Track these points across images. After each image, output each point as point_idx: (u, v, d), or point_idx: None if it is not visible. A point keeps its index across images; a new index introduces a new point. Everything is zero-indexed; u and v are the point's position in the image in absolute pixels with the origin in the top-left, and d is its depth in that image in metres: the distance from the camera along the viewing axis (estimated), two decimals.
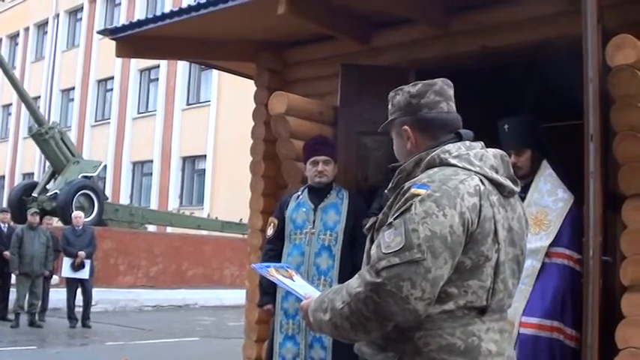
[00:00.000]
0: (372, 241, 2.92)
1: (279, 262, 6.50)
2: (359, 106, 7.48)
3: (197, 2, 7.68)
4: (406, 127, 3.03)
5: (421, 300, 2.58)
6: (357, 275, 2.76)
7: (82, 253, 16.30)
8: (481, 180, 2.78)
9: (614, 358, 5.20)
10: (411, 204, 2.68)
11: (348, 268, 6.48)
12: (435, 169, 2.81)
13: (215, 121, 36.70)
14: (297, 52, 8.68)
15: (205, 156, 37.28)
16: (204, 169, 37.42)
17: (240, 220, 26.31)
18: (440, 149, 2.88)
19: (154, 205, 37.35)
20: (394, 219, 2.71)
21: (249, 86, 9.37)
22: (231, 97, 33.36)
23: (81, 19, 45.96)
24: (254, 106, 8.70)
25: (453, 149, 2.87)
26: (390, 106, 3.18)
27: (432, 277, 2.58)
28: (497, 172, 2.87)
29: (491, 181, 2.82)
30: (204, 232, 29.85)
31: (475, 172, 2.80)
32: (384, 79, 7.40)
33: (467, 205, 2.67)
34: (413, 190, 2.72)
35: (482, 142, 2.99)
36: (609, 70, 5.24)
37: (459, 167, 2.80)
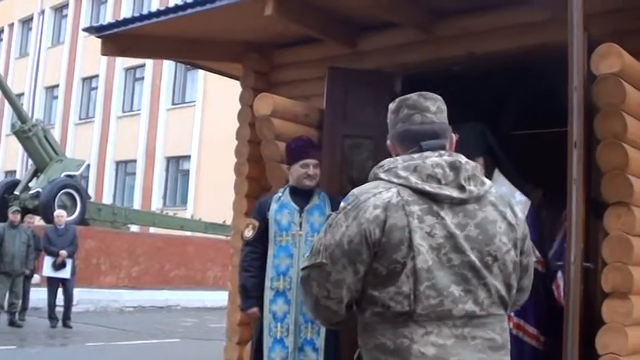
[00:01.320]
0: None
1: (263, 264, 6.51)
2: (345, 110, 7.51)
3: (184, 1, 7.67)
4: (389, 142, 3.23)
5: (329, 299, 2.95)
6: None
7: (63, 253, 16.23)
8: (399, 192, 2.91)
9: None
10: (332, 215, 3.06)
11: None
12: (366, 184, 3.05)
13: (200, 121, 36.68)
14: (283, 53, 8.69)
15: (190, 156, 37.25)
16: (189, 170, 37.39)
17: (224, 221, 26.26)
18: (376, 166, 3.09)
19: (137, 205, 37.28)
20: None
21: (234, 87, 9.36)
22: (217, 97, 33.34)
23: (66, 15, 45.85)
24: (239, 107, 8.69)
25: (386, 163, 3.05)
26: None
27: (334, 280, 2.92)
28: (439, 181, 2.94)
29: (418, 191, 2.92)
30: (188, 233, 29.82)
31: (397, 183, 2.94)
32: (370, 83, 7.47)
33: (367, 218, 2.87)
34: (342, 203, 3.02)
35: (442, 152, 3.05)
36: (594, 78, 5.27)
37: (384, 180, 2.98)
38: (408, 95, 3.19)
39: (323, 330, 6.36)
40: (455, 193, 2.94)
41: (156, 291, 24.65)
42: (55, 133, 36.68)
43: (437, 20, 7.37)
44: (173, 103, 38.92)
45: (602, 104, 5.28)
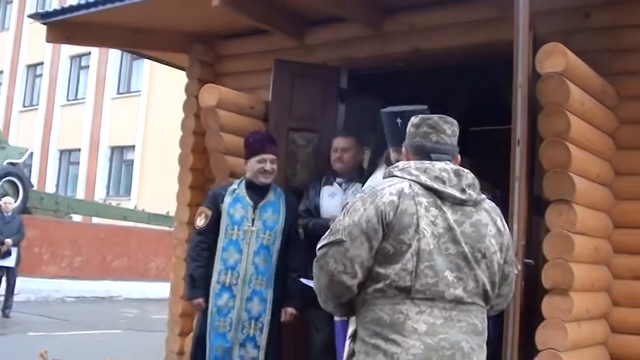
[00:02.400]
0: None
1: (212, 254, 6.47)
2: (290, 102, 7.51)
3: None
4: (404, 148, 3.72)
5: (344, 273, 3.32)
6: None
7: (8, 241, 15.98)
8: (410, 185, 3.37)
9: (533, 359, 5.28)
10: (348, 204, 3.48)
11: (283, 268, 6.50)
12: (382, 180, 3.58)
13: (145, 111, 36.39)
14: (229, 45, 8.66)
15: (134, 146, 36.94)
16: (133, 160, 37.07)
17: (167, 212, 26.10)
18: (393, 165, 3.63)
19: (80, 194, 36.90)
20: None
21: (180, 77, 9.31)
22: (162, 87, 33.09)
23: (12, 1, 45.17)
24: (185, 97, 8.65)
25: (400, 164, 3.54)
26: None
27: (350, 256, 3.30)
28: (444, 182, 3.39)
29: (426, 187, 3.37)
30: (131, 224, 29.55)
31: (409, 179, 3.40)
32: (316, 77, 7.49)
33: (384, 201, 3.32)
34: (357, 195, 3.50)
35: (447, 162, 3.50)
36: (538, 76, 5.31)
37: (398, 177, 3.45)
38: (431, 115, 3.65)
39: (266, 328, 6.36)
40: (457, 194, 3.40)
41: (98, 281, 24.45)
42: None
43: (384, 16, 7.39)
44: (118, 93, 38.57)
45: (546, 103, 5.32)
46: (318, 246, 3.42)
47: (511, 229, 5.03)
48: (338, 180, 6.84)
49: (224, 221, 6.47)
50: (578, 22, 6.27)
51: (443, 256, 3.30)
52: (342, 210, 3.52)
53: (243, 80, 8.32)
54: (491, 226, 3.46)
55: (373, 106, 8.92)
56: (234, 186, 6.60)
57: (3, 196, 18.29)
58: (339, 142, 6.89)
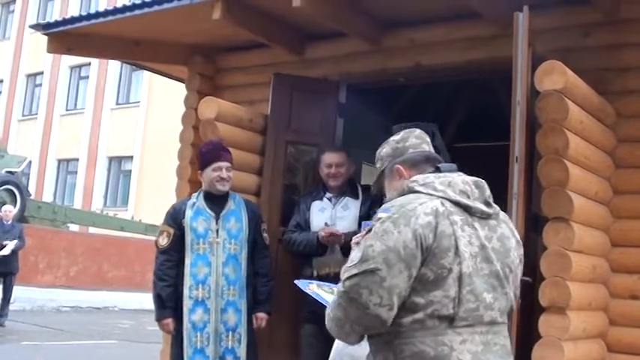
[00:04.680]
0: None
1: (178, 272, 6.42)
2: (289, 116, 7.51)
3: (132, 2, 7.61)
4: (398, 166, 3.46)
5: (380, 306, 2.95)
6: None
7: (9, 244, 15.98)
8: (442, 202, 3.11)
9: None
10: (374, 225, 3.08)
11: (251, 274, 6.50)
12: (402, 196, 3.21)
13: (144, 122, 36.47)
14: (229, 58, 8.66)
15: (132, 157, 37.00)
16: (130, 171, 37.14)
17: None
18: (409, 180, 3.30)
19: (77, 204, 36.94)
20: (362, 239, 3.17)
21: (179, 89, 9.31)
22: (162, 99, 33.19)
23: (13, 11, 45.32)
24: (183, 109, 8.65)
25: (420, 179, 3.25)
26: (379, 162, 3.62)
27: (388, 286, 2.94)
28: (468, 197, 3.19)
29: (456, 203, 3.14)
30: (128, 234, 29.54)
31: (437, 196, 3.13)
32: (315, 91, 7.49)
33: (420, 223, 3.00)
34: (378, 214, 3.11)
35: (460, 172, 3.32)
36: (537, 94, 5.32)
37: (423, 193, 3.15)
38: (412, 129, 3.58)
39: (244, 339, 6.35)
40: (484, 208, 3.22)
41: (94, 291, 24.44)
42: None
43: (384, 31, 7.40)
44: (117, 103, 38.66)
45: (545, 120, 5.32)
46: (346, 275, 3.03)
47: None
48: (327, 195, 6.80)
49: (188, 236, 6.41)
50: (577, 41, 6.28)
51: (480, 278, 3.09)
52: (365, 232, 3.19)
53: (243, 93, 8.32)
54: (511, 237, 3.30)
55: (372, 120, 8.98)
56: (193, 199, 6.57)
57: (2, 205, 18.28)
58: (332, 158, 6.81)
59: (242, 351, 6.34)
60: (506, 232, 3.28)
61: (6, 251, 15.96)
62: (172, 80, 10.38)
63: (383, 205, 3.20)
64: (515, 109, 5.24)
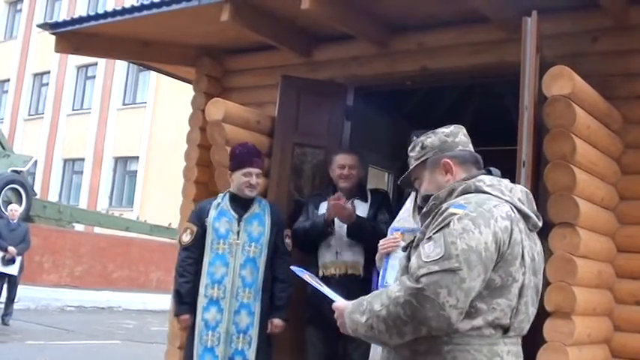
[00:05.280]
0: (407, 259, 3.16)
1: (198, 269, 6.46)
2: (296, 118, 7.51)
3: (140, 3, 7.63)
4: (447, 160, 3.34)
5: (455, 308, 2.81)
6: (397, 282, 3.00)
7: (12, 249, 15.95)
8: (511, 208, 3.06)
9: None
10: (450, 221, 2.94)
11: (269, 279, 6.50)
12: (471, 194, 3.11)
13: (150, 123, 36.48)
14: (237, 59, 8.66)
15: (138, 157, 37.01)
16: (136, 171, 37.14)
17: (170, 224, 26.13)
18: (474, 179, 3.19)
19: (83, 204, 36.95)
20: (434, 234, 2.97)
21: (186, 90, 9.32)
22: (168, 100, 33.21)
23: (21, 10, 45.37)
24: (190, 110, 8.65)
25: (486, 179, 3.17)
26: (418, 150, 3.47)
27: (467, 288, 2.83)
28: (523, 204, 3.14)
29: (519, 211, 3.09)
30: (133, 235, 29.57)
31: (506, 200, 3.08)
32: (323, 93, 7.49)
33: (500, 227, 2.94)
34: (451, 210, 2.99)
35: (508, 179, 3.25)
36: (545, 99, 5.32)
37: (492, 195, 3.08)
38: (459, 125, 3.49)
39: (254, 341, 6.36)
40: (537, 220, 3.18)
41: (98, 291, 24.45)
42: (4, 128, 36.24)
43: (393, 34, 7.39)
44: (124, 104, 38.68)
45: (552, 125, 5.32)
46: (423, 271, 2.86)
47: None
48: (337, 195, 6.81)
49: (209, 235, 6.46)
50: (585, 46, 6.28)
51: (530, 290, 3.06)
52: (437, 227, 2.99)
53: (250, 95, 8.32)
54: (542, 251, 3.25)
55: (379, 123, 8.98)
56: (219, 200, 6.61)
57: (7, 204, 18.30)
58: (345, 160, 6.83)
59: (251, 353, 6.34)
60: (540, 246, 3.23)
61: (9, 257, 16.00)
62: (179, 81, 10.38)
63: (452, 200, 3.10)
64: (522, 114, 5.24)
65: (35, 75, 43.63)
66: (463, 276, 2.81)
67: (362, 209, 6.63)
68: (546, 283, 5.38)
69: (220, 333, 6.32)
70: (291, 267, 4.50)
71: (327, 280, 6.34)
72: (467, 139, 3.46)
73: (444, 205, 3.06)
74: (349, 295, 3.30)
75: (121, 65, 37.35)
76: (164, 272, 27.11)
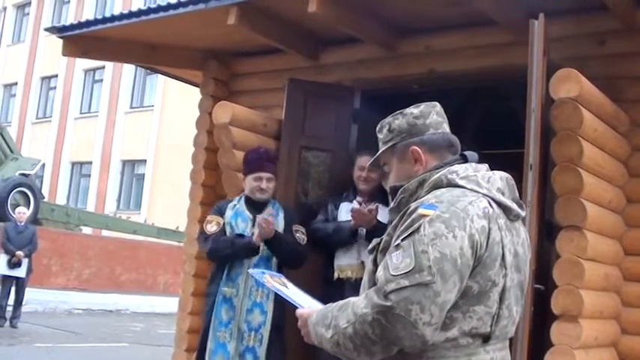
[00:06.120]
0: (374, 263, 2.82)
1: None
2: (303, 121, 7.51)
3: (147, 6, 7.65)
4: (415, 147, 2.94)
5: (429, 325, 2.46)
6: (363, 295, 2.62)
7: (19, 253, 16.00)
8: (489, 202, 2.69)
9: None
10: (420, 225, 2.57)
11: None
12: (443, 190, 2.72)
13: (158, 126, 36.51)
14: (244, 63, 8.67)
15: (146, 161, 37.04)
16: (144, 174, 37.17)
17: (177, 227, 26.16)
18: (446, 170, 2.80)
19: (90, 207, 37.01)
20: (402, 240, 2.59)
21: (193, 93, 9.33)
22: (176, 103, 33.24)
23: (28, 14, 45.45)
24: (198, 113, 8.66)
25: (460, 170, 2.78)
26: (386, 132, 3.09)
27: (441, 302, 2.47)
28: (503, 194, 2.79)
29: (499, 203, 2.73)
30: (140, 238, 29.60)
31: (483, 194, 2.71)
32: (329, 96, 7.49)
33: (476, 227, 2.58)
34: (420, 211, 2.61)
35: (487, 165, 2.92)
36: (552, 101, 5.31)
37: (467, 189, 2.71)
38: (432, 102, 3.05)
39: (265, 339, 6.36)
40: (518, 209, 2.82)
41: (106, 294, 24.49)
42: (12, 132, 36.29)
43: (400, 38, 7.39)
44: (131, 107, 38.71)
45: (560, 128, 5.32)
46: (392, 286, 2.47)
47: None
48: (358, 198, 6.79)
49: (227, 233, 6.51)
50: (592, 49, 6.27)
51: (512, 290, 2.71)
52: (406, 231, 2.60)
53: (257, 98, 8.33)
54: (527, 240, 2.88)
55: None
56: (235, 202, 6.66)
57: (15, 207, 18.35)
58: (366, 162, 6.70)
59: (262, 351, 6.35)
60: (524, 235, 2.86)
61: (16, 260, 16.04)
62: (186, 84, 10.40)
63: (422, 199, 2.72)
64: (529, 117, 5.24)
65: (43, 78, 43.70)
66: (437, 289, 2.46)
67: (383, 214, 6.48)
68: (553, 286, 5.38)
69: (232, 330, 6.35)
70: (249, 270, 4.46)
71: (341, 282, 6.37)
72: (441, 118, 3.02)
73: (413, 205, 2.69)
74: None
75: (128, 68, 37.40)
76: (171, 275, 27.16)
